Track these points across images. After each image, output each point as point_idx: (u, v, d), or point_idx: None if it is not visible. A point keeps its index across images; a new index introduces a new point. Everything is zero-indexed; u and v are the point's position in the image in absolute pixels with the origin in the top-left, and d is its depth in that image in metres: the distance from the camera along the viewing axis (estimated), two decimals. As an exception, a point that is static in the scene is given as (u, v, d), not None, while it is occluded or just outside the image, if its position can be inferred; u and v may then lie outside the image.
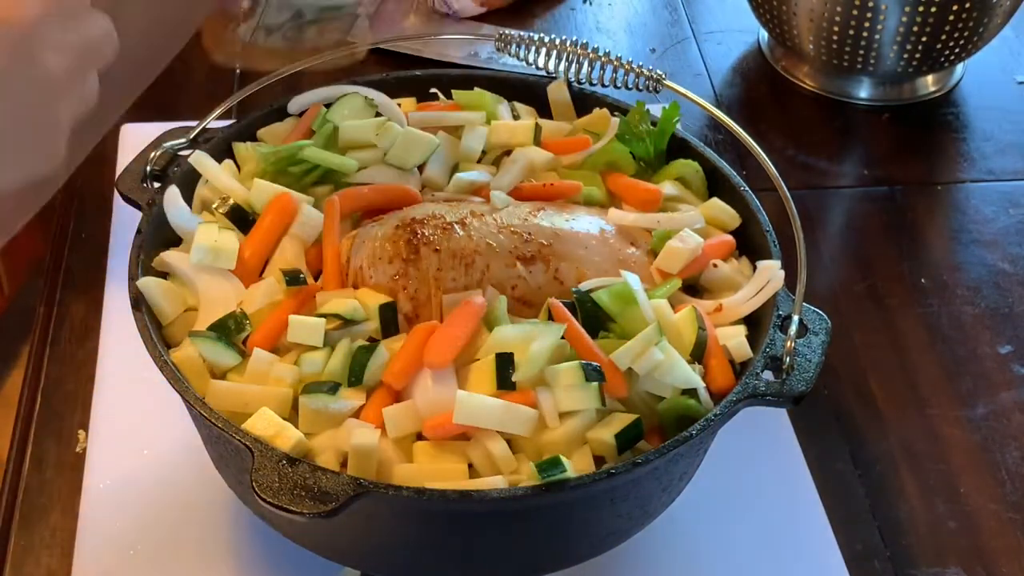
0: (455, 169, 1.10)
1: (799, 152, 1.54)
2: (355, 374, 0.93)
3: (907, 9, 1.45)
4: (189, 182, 1.07)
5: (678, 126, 1.12)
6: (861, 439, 1.21)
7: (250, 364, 0.95)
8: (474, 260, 0.98)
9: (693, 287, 1.04)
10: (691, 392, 0.94)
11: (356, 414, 0.93)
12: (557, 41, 1.16)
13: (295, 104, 1.14)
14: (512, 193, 1.06)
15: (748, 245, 1.07)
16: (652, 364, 0.92)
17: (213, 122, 1.10)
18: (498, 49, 1.18)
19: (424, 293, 0.97)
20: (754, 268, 1.04)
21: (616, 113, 1.14)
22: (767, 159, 1.06)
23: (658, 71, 1.15)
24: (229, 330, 0.96)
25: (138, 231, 1.02)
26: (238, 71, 1.60)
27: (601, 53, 1.15)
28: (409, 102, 1.17)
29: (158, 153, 1.08)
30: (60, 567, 1.08)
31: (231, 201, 1.04)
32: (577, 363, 0.92)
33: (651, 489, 0.96)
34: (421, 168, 1.09)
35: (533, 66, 1.17)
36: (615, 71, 1.15)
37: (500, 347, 0.93)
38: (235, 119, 1.15)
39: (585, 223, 1.03)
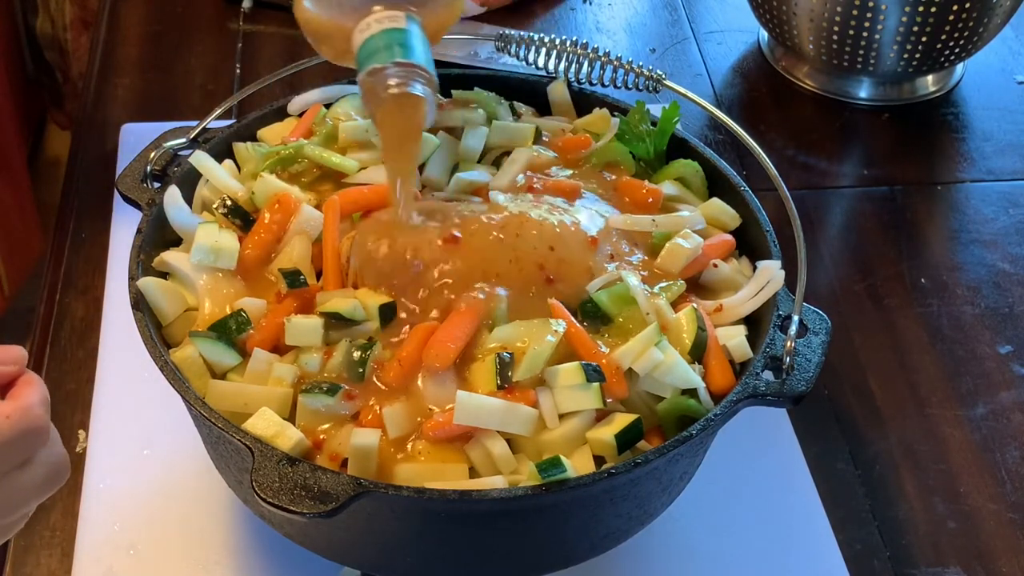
0: (455, 169, 1.10)
1: (799, 152, 1.54)
2: (355, 374, 0.93)
3: (907, 9, 1.45)
4: (189, 182, 1.07)
5: (678, 126, 1.12)
6: (861, 439, 1.21)
7: (250, 364, 0.95)
8: (474, 259, 0.98)
9: (693, 287, 1.04)
10: (691, 392, 0.94)
11: (356, 414, 0.93)
12: (557, 41, 1.16)
13: (295, 104, 1.14)
14: (512, 192, 1.06)
15: (748, 245, 1.07)
16: (652, 364, 0.92)
17: (213, 122, 1.10)
18: (498, 49, 1.18)
19: (424, 293, 0.97)
20: (754, 268, 1.04)
21: (616, 113, 1.14)
22: (767, 159, 1.06)
23: (658, 71, 1.15)
24: (229, 330, 0.96)
25: (138, 231, 1.02)
26: (238, 70, 1.60)
27: (601, 53, 1.15)
28: (409, 102, 1.17)
29: (158, 153, 1.08)
30: (60, 567, 1.08)
31: (231, 201, 1.04)
32: (577, 363, 0.92)
33: (651, 489, 0.96)
34: (421, 168, 1.09)
35: (533, 66, 1.17)
36: (615, 71, 1.15)
37: (500, 347, 0.93)
38: (235, 119, 1.15)
39: (587, 223, 1.03)
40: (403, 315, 0.97)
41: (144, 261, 1.01)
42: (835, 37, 1.51)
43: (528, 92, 1.18)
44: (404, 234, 0.98)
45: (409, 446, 0.92)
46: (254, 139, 1.13)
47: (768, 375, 0.95)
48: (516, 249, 0.98)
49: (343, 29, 0.97)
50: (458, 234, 0.98)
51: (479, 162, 1.11)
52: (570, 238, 1.00)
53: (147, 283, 0.98)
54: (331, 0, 0.97)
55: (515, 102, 1.17)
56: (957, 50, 1.52)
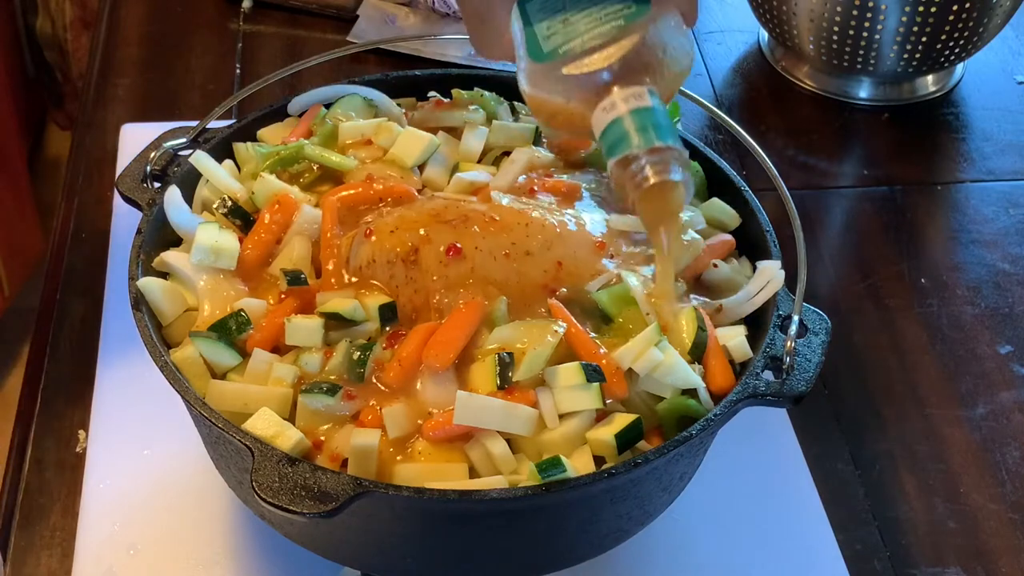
0: (455, 169, 1.10)
1: (799, 152, 1.54)
2: (355, 374, 0.93)
3: (907, 9, 1.45)
4: (189, 182, 1.07)
5: (678, 126, 1.12)
6: (861, 439, 1.21)
7: (250, 364, 0.95)
8: (474, 260, 0.98)
9: (693, 287, 1.04)
10: (691, 392, 0.94)
11: (356, 414, 0.93)
12: (557, 41, 1.15)
13: (295, 104, 1.14)
14: (512, 192, 1.06)
15: (748, 245, 1.07)
16: (652, 364, 0.92)
17: (213, 122, 1.10)
18: (498, 49, 1.18)
19: (424, 293, 0.97)
20: (754, 268, 1.04)
21: (616, 113, 1.14)
22: (767, 159, 1.06)
23: (658, 71, 1.14)
24: (229, 330, 0.96)
25: (138, 231, 1.02)
26: (238, 70, 1.60)
27: (601, 53, 1.15)
28: (409, 102, 1.17)
29: (158, 153, 1.08)
30: (60, 567, 1.08)
31: (231, 201, 1.04)
32: (577, 363, 0.92)
33: (651, 489, 0.96)
34: (421, 168, 1.09)
35: (533, 66, 1.17)
36: (615, 71, 1.15)
37: (500, 347, 0.93)
38: (235, 119, 1.15)
39: (587, 223, 1.03)
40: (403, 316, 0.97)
41: (144, 261, 1.01)
42: (835, 37, 1.51)
43: (528, 92, 1.18)
44: (408, 236, 0.98)
45: (409, 446, 0.92)
46: (254, 139, 1.13)
47: (768, 375, 0.95)
48: (520, 268, 0.98)
49: (574, 110, 0.90)
50: (460, 245, 0.97)
51: (479, 162, 1.11)
52: (576, 247, 1.00)
53: (147, 283, 0.98)
54: (557, 79, 0.90)
55: (515, 102, 1.17)
56: (957, 50, 1.52)
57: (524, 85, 0.92)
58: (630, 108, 0.87)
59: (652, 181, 0.86)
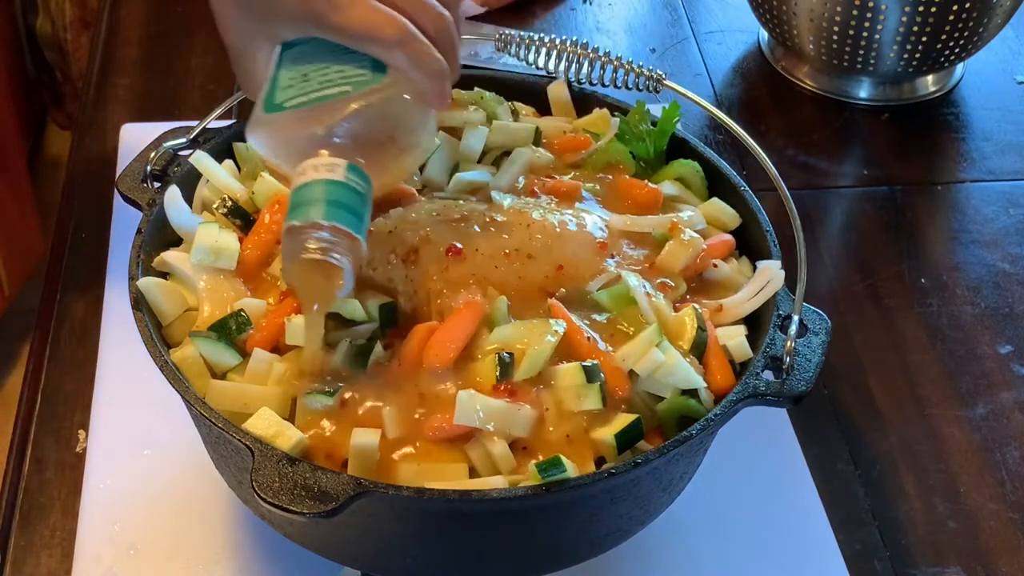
0: (455, 169, 1.10)
1: (799, 152, 1.54)
2: (355, 374, 0.93)
3: (907, 9, 1.45)
4: (189, 182, 1.07)
5: (678, 126, 1.12)
6: (861, 439, 1.21)
7: (250, 364, 0.95)
8: (474, 261, 0.98)
9: (693, 287, 1.04)
10: (691, 392, 0.94)
11: (356, 414, 0.93)
12: (557, 41, 1.16)
13: (295, 104, 1.14)
14: (512, 194, 1.06)
15: (748, 245, 1.07)
16: (654, 365, 0.92)
17: (213, 122, 1.10)
18: (498, 49, 1.18)
19: (423, 294, 0.97)
20: (754, 268, 1.04)
21: (616, 113, 1.14)
22: (767, 159, 1.06)
23: (658, 71, 1.15)
24: (229, 330, 0.96)
25: (138, 231, 1.02)
26: (238, 71, 1.60)
27: (601, 53, 1.15)
28: (409, 102, 1.17)
29: (158, 153, 1.08)
30: (60, 567, 1.08)
31: (231, 201, 1.04)
32: (577, 363, 0.92)
33: (651, 489, 0.96)
34: (421, 168, 1.09)
35: (533, 66, 1.17)
36: (615, 71, 1.15)
37: (500, 347, 0.93)
38: (235, 119, 1.15)
39: (588, 223, 1.03)
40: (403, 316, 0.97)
41: (144, 261, 1.01)
42: (835, 37, 1.51)
43: (528, 92, 1.18)
44: (408, 236, 0.98)
45: (409, 446, 0.92)
46: (254, 139, 1.12)
47: (768, 375, 0.95)
48: (522, 270, 0.98)
49: (282, 169, 0.88)
50: (459, 246, 0.97)
51: (479, 162, 1.11)
52: (578, 247, 1.00)
53: (147, 283, 0.98)
54: (271, 133, 0.88)
55: (515, 102, 1.17)
56: (957, 50, 1.52)
57: (247, 130, 0.89)
58: (319, 177, 0.84)
59: (305, 256, 0.83)
